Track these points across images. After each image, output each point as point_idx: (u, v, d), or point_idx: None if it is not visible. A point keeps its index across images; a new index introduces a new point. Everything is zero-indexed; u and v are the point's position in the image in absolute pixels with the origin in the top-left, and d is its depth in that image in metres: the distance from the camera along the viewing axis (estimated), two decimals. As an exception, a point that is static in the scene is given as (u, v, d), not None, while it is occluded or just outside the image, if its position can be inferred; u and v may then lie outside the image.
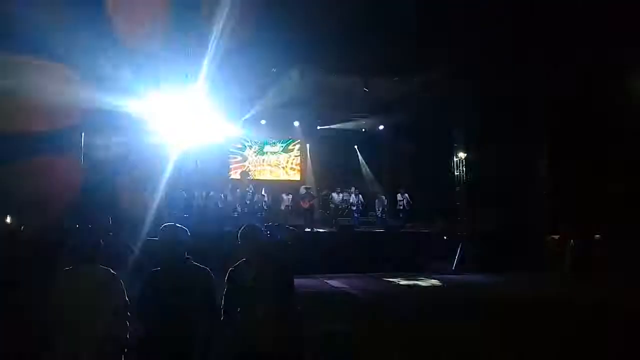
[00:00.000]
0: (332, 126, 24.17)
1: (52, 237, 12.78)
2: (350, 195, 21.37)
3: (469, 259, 19.38)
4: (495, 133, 19.86)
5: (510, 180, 20.40)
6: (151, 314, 3.42)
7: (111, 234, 15.52)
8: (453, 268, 18.74)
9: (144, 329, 3.44)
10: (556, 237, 22.52)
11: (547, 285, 15.86)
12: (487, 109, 20.32)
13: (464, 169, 19.84)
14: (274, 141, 24.58)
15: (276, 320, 3.52)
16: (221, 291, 3.62)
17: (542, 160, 20.46)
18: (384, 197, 21.81)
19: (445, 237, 20.88)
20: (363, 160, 25.02)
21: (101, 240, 3.83)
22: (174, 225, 3.84)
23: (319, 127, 23.78)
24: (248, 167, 23.98)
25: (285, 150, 24.85)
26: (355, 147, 25.01)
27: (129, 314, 3.56)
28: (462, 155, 19.74)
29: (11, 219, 17.48)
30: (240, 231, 3.89)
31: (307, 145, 24.33)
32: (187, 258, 3.63)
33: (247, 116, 22.07)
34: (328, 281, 15.91)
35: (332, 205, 21.45)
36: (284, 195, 21.07)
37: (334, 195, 21.34)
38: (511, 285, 15.86)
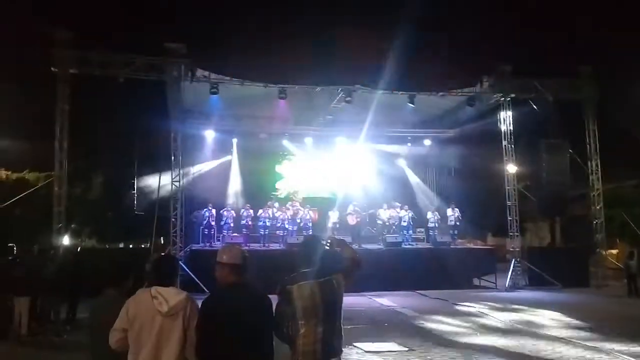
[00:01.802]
0: (378, 143, 24.07)
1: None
2: (397, 212, 21.16)
3: (521, 276, 18.89)
4: (547, 145, 19.37)
5: (561, 194, 19.81)
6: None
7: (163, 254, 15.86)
8: (506, 285, 18.24)
9: None
10: (614, 252, 21.78)
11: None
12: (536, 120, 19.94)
13: (515, 183, 19.36)
14: (320, 157, 24.63)
15: (329, 338, 3.49)
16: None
17: (595, 175, 19.76)
18: (436, 213, 21.51)
19: (495, 254, 20.45)
20: (413, 176, 24.73)
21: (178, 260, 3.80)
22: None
23: (364, 144, 23.71)
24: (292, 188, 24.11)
25: (332, 166, 24.86)
26: (402, 162, 24.79)
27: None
28: (512, 169, 19.27)
29: (69, 240, 18.11)
30: (302, 241, 3.90)
31: (354, 162, 24.26)
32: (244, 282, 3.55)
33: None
34: (377, 299, 15.76)
35: (379, 222, 21.28)
36: (330, 212, 21.06)
37: (381, 211, 21.18)
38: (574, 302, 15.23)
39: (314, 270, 3.57)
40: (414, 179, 24.62)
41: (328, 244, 4.00)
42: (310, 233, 19.43)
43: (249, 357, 3.34)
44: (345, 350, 8.57)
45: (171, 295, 3.41)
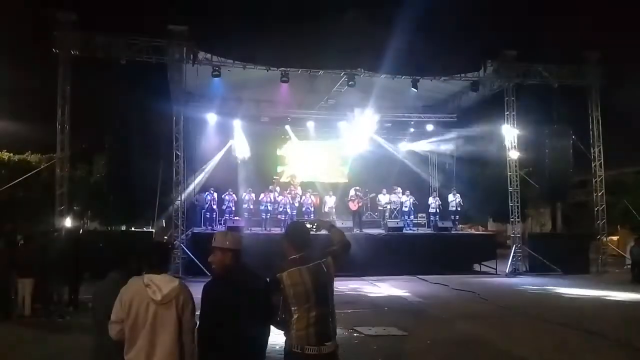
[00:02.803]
0: (381, 128, 24.01)
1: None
2: (399, 197, 21.19)
3: (522, 261, 18.94)
4: (546, 132, 19.32)
5: (563, 180, 19.79)
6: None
7: (166, 238, 15.93)
8: (506, 271, 18.31)
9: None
10: (615, 238, 21.83)
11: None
12: (540, 106, 19.87)
13: (517, 169, 19.33)
14: (322, 142, 24.58)
15: (322, 322, 3.52)
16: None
17: (597, 161, 19.71)
18: (437, 198, 21.51)
19: (496, 239, 20.51)
20: (415, 160, 24.64)
21: (169, 246, 3.79)
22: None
23: (367, 128, 23.61)
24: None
25: (333, 151, 24.85)
26: (405, 147, 24.71)
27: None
28: (515, 155, 19.23)
29: (72, 222, 18.16)
30: (286, 228, 3.88)
31: (356, 147, 24.18)
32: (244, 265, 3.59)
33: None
34: (378, 283, 15.83)
35: (380, 208, 21.32)
36: (327, 197, 21.10)
37: (381, 196, 21.22)
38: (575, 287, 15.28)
39: (303, 256, 3.57)
40: (416, 163, 24.53)
41: (314, 228, 3.98)
42: (312, 217, 19.50)
43: (248, 340, 3.38)
44: (345, 334, 8.72)
45: (164, 283, 3.41)
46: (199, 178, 21.04)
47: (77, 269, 11.52)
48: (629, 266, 17.43)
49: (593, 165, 19.87)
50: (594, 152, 19.82)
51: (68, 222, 17.48)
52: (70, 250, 11.87)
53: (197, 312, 3.47)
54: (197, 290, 3.56)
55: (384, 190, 21.35)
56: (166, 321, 3.37)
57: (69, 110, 16.26)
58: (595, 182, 19.88)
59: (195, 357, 3.42)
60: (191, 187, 20.02)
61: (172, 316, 3.39)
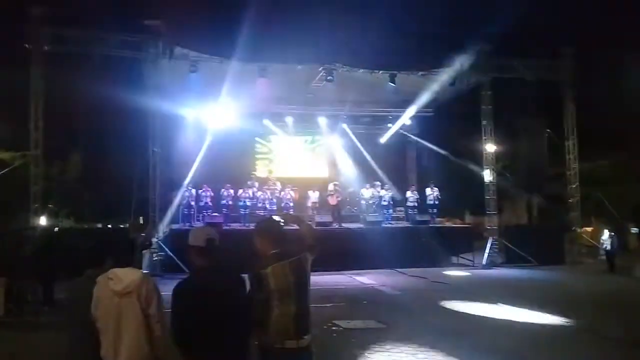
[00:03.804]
0: (359, 122, 24.10)
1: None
2: (378, 191, 21.30)
3: (498, 253, 19.20)
4: (526, 125, 19.60)
5: (539, 173, 20.11)
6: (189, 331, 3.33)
7: (143, 234, 15.71)
8: (483, 262, 18.54)
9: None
10: (589, 229, 22.23)
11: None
12: (515, 100, 20.12)
13: (494, 162, 19.56)
14: (300, 137, 24.57)
15: (302, 315, 3.53)
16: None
17: (571, 154, 20.06)
18: (415, 192, 21.68)
19: (473, 232, 20.74)
20: (393, 155, 24.72)
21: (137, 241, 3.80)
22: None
23: (345, 124, 23.65)
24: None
25: (312, 146, 24.87)
26: (383, 142, 24.79)
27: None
28: (491, 149, 19.46)
29: (47, 220, 17.86)
30: (257, 226, 3.83)
31: (334, 141, 24.21)
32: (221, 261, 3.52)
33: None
34: (357, 277, 15.91)
35: (362, 202, 21.41)
36: (310, 192, 21.10)
37: (363, 191, 21.31)
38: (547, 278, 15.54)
39: (282, 251, 3.58)
40: (393, 158, 24.62)
41: (282, 222, 3.98)
42: (291, 212, 19.47)
43: (223, 340, 3.33)
44: (324, 327, 8.73)
45: (126, 275, 3.41)
46: (177, 174, 20.82)
47: (52, 267, 11.36)
48: (603, 257, 17.78)
49: (567, 158, 20.20)
50: (569, 145, 20.15)
51: (43, 220, 17.22)
52: (45, 248, 11.71)
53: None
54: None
55: (367, 185, 21.44)
56: (129, 313, 3.36)
57: (42, 107, 15.96)
58: (570, 174, 20.22)
59: (167, 349, 3.40)
60: (169, 183, 19.81)
61: (135, 307, 3.36)
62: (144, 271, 3.57)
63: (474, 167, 20.97)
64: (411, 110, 22.10)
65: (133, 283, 3.38)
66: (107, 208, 23.05)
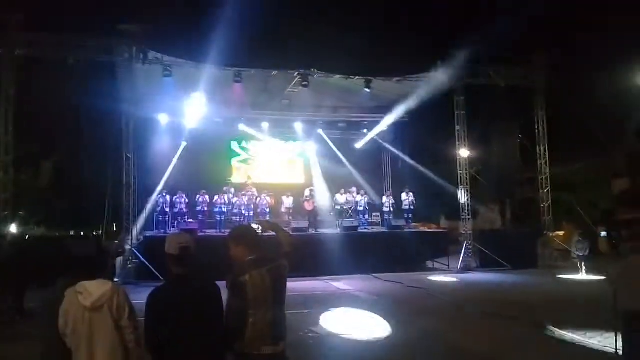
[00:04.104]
0: (335, 128, 24.19)
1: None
2: (354, 197, 21.38)
3: (473, 258, 19.41)
4: (498, 131, 19.90)
5: (511, 178, 20.42)
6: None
7: (117, 242, 15.52)
8: (458, 267, 18.73)
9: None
10: (561, 233, 22.62)
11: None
12: (488, 105, 20.42)
13: (467, 167, 19.81)
14: (276, 142, 24.55)
15: (277, 322, 3.53)
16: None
17: (543, 159, 20.42)
18: (391, 197, 21.83)
19: (449, 236, 20.95)
20: (368, 160, 24.83)
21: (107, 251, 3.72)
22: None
23: (321, 129, 23.71)
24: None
25: (288, 152, 24.85)
26: (358, 147, 24.92)
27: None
28: (465, 154, 19.71)
29: (17, 228, 17.48)
30: (231, 232, 3.80)
31: (310, 147, 24.25)
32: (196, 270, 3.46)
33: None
34: (333, 283, 15.92)
35: (337, 207, 21.46)
36: (284, 197, 21.08)
37: (338, 196, 21.37)
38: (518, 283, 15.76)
39: (259, 257, 3.57)
40: (369, 163, 24.75)
41: (259, 229, 3.97)
42: (267, 218, 19.43)
43: (196, 349, 3.30)
44: (301, 334, 8.72)
45: (95, 288, 3.34)
46: (151, 180, 20.59)
47: (23, 276, 11.12)
48: (575, 260, 18.10)
49: (539, 163, 20.56)
50: (540, 150, 20.51)
51: (13, 228, 16.86)
52: (15, 257, 11.46)
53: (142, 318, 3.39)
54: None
55: (342, 190, 21.51)
56: (102, 327, 3.31)
57: (12, 112, 15.64)
58: (541, 179, 20.57)
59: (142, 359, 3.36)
60: (143, 190, 19.57)
61: (107, 321, 3.32)
62: (115, 280, 3.50)
63: (448, 172, 21.19)
64: (389, 119, 22.27)
65: (104, 296, 3.32)
66: (79, 216, 22.64)
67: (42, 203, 23.34)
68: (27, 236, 19.47)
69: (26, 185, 22.99)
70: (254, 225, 3.97)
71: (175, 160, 21.12)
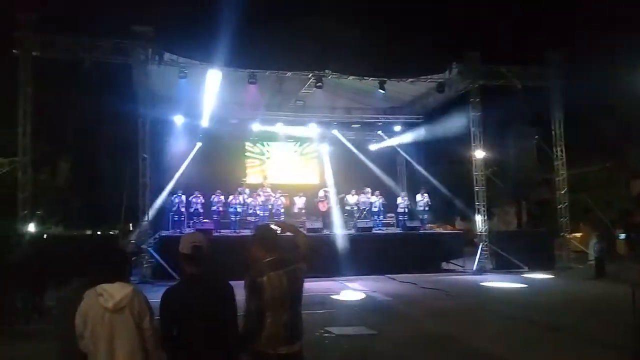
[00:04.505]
0: (348, 129, 24.19)
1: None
2: (368, 197, 21.33)
3: (488, 259, 19.25)
4: (514, 132, 19.74)
5: (527, 179, 20.24)
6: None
7: (133, 242, 15.61)
8: (474, 268, 18.60)
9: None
10: (578, 235, 22.39)
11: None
12: (504, 106, 20.27)
13: (483, 168, 19.66)
14: (290, 143, 24.60)
15: (293, 323, 3.55)
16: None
17: (559, 160, 20.20)
18: (406, 198, 21.75)
19: (464, 238, 20.81)
20: (384, 161, 24.76)
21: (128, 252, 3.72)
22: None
23: (335, 130, 23.70)
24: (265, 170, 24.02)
25: (302, 153, 24.91)
26: (374, 148, 24.87)
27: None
28: (480, 155, 19.56)
29: (35, 227, 17.66)
30: (256, 232, 3.85)
31: (324, 148, 24.25)
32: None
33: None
34: (348, 284, 15.89)
35: (347, 207, 21.42)
36: (296, 198, 21.11)
37: (348, 197, 21.33)
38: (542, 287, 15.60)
39: (277, 259, 3.58)
40: (383, 164, 24.67)
41: (279, 230, 3.98)
42: (282, 219, 19.46)
43: (209, 347, 3.32)
44: (317, 334, 8.72)
45: (116, 290, 3.34)
46: (167, 181, 20.75)
47: (41, 275, 11.25)
48: (591, 262, 17.89)
49: (555, 164, 20.34)
50: (557, 151, 20.30)
51: (31, 227, 17.06)
52: (34, 255, 11.61)
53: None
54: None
55: (353, 191, 21.48)
56: (123, 329, 3.31)
57: (30, 113, 15.85)
58: (558, 180, 20.35)
59: None
60: (159, 190, 19.72)
61: (129, 323, 3.32)
62: (132, 281, 3.51)
63: (463, 173, 21.08)
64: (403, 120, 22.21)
65: (126, 298, 3.33)
66: (96, 215, 22.89)
67: (60, 203, 23.60)
68: (45, 235, 19.67)
69: (44, 185, 23.29)
70: (274, 227, 3.96)
71: (187, 161, 21.29)
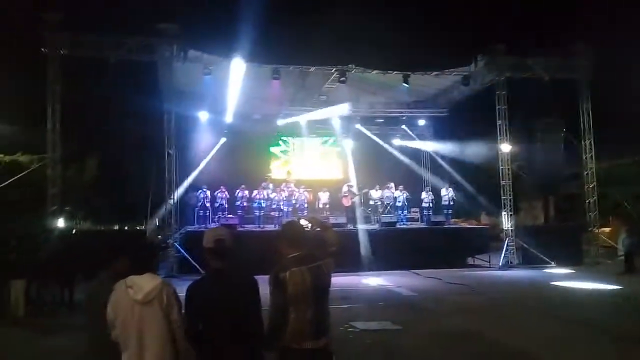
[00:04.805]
0: (372, 123, 24.09)
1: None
2: (392, 192, 21.23)
3: (515, 254, 19.01)
4: (541, 125, 19.41)
5: (555, 173, 19.89)
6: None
7: (159, 236, 15.81)
8: (500, 263, 18.38)
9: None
10: (607, 229, 21.96)
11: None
12: (531, 99, 19.95)
13: (509, 162, 19.39)
14: (314, 138, 24.59)
15: (319, 319, 3.53)
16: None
17: (588, 154, 19.78)
18: (430, 193, 21.61)
19: (490, 233, 20.59)
20: (408, 156, 24.61)
21: (156, 245, 3.75)
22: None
23: (359, 124, 23.63)
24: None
25: (326, 147, 24.89)
26: (397, 142, 24.74)
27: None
28: (507, 149, 19.28)
29: (64, 223, 17.98)
30: (284, 226, 3.85)
31: (349, 143, 24.18)
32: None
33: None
34: (372, 278, 15.86)
35: (371, 202, 21.36)
36: (320, 193, 21.11)
37: (372, 192, 21.27)
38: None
39: (302, 255, 3.57)
40: (409, 158, 24.54)
41: (309, 226, 3.96)
42: (306, 214, 19.51)
43: (232, 342, 3.33)
44: (341, 329, 8.72)
45: (145, 282, 3.39)
46: (192, 176, 20.97)
47: (71, 269, 11.48)
48: (621, 257, 17.54)
49: (584, 157, 19.94)
50: (585, 145, 19.90)
51: (60, 223, 17.39)
52: (63, 250, 11.83)
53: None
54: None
55: (377, 186, 21.41)
56: (152, 320, 3.35)
57: (59, 110, 16.15)
58: (587, 174, 19.96)
59: (187, 352, 3.41)
60: (184, 185, 19.94)
61: (158, 315, 3.36)
62: (160, 274, 3.55)
63: (489, 167, 20.82)
64: (424, 123, 22.01)
65: (155, 290, 3.38)
66: (123, 210, 23.24)
67: (87, 199, 24.01)
68: (74, 230, 20.05)
69: (72, 182, 23.72)
70: (303, 222, 3.95)
71: (210, 156, 21.49)
